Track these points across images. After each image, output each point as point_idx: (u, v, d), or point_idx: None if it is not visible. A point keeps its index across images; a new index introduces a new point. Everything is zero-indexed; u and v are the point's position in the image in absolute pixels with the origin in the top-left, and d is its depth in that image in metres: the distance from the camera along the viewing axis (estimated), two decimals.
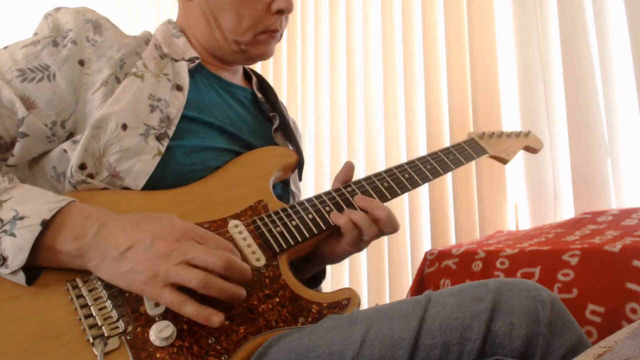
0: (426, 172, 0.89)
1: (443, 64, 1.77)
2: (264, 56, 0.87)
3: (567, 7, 1.42)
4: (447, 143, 1.75)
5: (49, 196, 0.61)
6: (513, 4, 1.58)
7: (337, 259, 0.82)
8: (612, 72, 1.35)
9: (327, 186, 2.17)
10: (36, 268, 0.60)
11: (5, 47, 0.73)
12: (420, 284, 1.17)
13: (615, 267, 0.87)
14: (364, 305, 1.90)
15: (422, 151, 1.84)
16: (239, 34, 0.83)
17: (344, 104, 2.17)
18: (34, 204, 0.59)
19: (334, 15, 2.27)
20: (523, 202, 1.53)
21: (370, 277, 1.98)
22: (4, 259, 0.57)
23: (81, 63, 0.73)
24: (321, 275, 0.92)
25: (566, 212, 1.43)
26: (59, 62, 0.71)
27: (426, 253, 1.20)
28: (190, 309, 0.56)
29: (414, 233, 1.82)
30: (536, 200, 1.48)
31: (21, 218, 0.57)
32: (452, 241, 1.68)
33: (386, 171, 0.86)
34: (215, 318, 0.57)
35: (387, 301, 1.91)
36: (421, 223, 1.81)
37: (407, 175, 0.86)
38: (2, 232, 0.57)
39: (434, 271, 1.15)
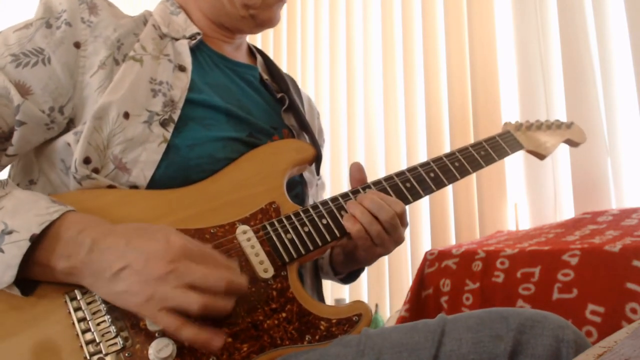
0: (454, 170, 0.83)
1: (443, 64, 1.77)
2: (272, 21, 0.84)
3: (567, 7, 1.43)
4: (447, 142, 1.75)
5: (41, 206, 0.58)
6: (513, 4, 1.58)
7: (359, 262, 0.77)
8: (612, 72, 1.35)
9: (326, 187, 2.17)
10: (33, 281, 0.58)
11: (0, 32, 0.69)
12: (420, 284, 1.17)
13: (615, 267, 0.86)
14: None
15: (422, 150, 1.84)
16: None
17: (344, 103, 2.17)
18: (24, 216, 0.56)
19: (334, 15, 2.27)
20: (523, 202, 1.53)
21: (370, 277, 1.98)
22: None
23: (77, 45, 0.69)
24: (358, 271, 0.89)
25: (566, 212, 1.44)
26: (53, 44, 0.67)
27: (426, 253, 1.20)
28: (189, 334, 0.53)
29: (414, 233, 1.82)
30: (536, 200, 1.48)
31: (10, 232, 0.55)
32: (452, 241, 1.68)
33: (410, 169, 0.80)
34: (216, 342, 0.54)
35: (387, 301, 1.91)
36: (421, 223, 1.81)
37: (432, 175, 0.80)
38: None
39: (434, 271, 1.15)
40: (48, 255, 0.56)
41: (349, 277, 0.89)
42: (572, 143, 1.07)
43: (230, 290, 0.56)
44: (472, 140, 1.65)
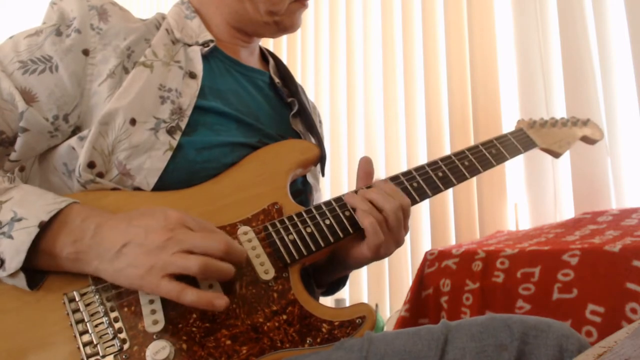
0: (463, 170, 0.80)
1: (443, 64, 1.77)
2: (294, 27, 0.85)
3: (567, 7, 1.43)
4: (447, 143, 1.75)
5: (49, 198, 0.60)
6: (513, 4, 1.58)
7: (352, 263, 0.75)
8: (612, 72, 1.35)
9: (325, 189, 2.17)
10: (39, 272, 0.59)
11: (11, 37, 0.70)
12: (420, 284, 1.17)
13: (615, 267, 0.86)
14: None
15: (422, 150, 1.84)
16: (274, 3, 0.80)
17: (344, 104, 2.17)
18: (33, 205, 0.58)
19: (334, 15, 2.27)
20: (523, 202, 1.53)
21: (370, 277, 1.98)
22: (2, 262, 0.56)
23: (85, 53, 0.68)
24: (340, 281, 0.87)
25: (566, 212, 1.43)
26: (61, 52, 0.67)
27: (426, 253, 1.20)
28: (191, 296, 0.54)
29: (414, 233, 1.82)
30: (536, 200, 1.48)
31: (19, 220, 0.56)
32: (452, 241, 1.68)
33: (417, 169, 0.78)
34: (219, 301, 0.55)
35: (387, 301, 1.91)
36: (421, 223, 1.81)
37: (440, 174, 0.78)
38: (1, 235, 0.56)
39: (434, 271, 1.15)
40: (54, 242, 0.57)
41: (329, 289, 0.88)
42: (588, 140, 1.04)
43: (229, 252, 0.57)
44: (472, 140, 1.65)
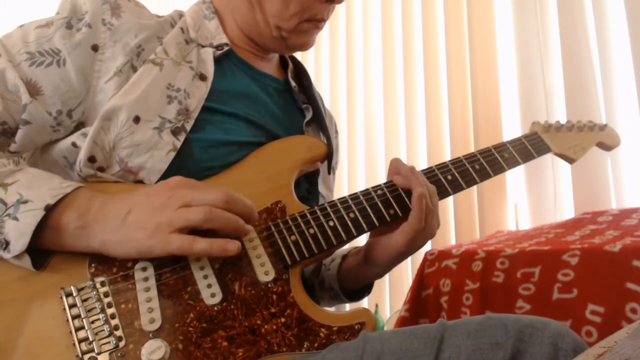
0: (473, 173, 0.78)
1: (443, 65, 1.77)
2: (304, 46, 0.81)
3: (567, 7, 1.42)
4: (447, 143, 1.75)
5: (55, 181, 0.60)
6: (513, 4, 1.58)
7: (382, 259, 0.72)
8: (612, 73, 1.35)
9: None
10: (44, 252, 0.59)
11: (21, 26, 0.69)
12: (420, 284, 1.17)
13: (615, 267, 0.86)
14: (364, 304, 1.89)
15: (422, 152, 1.84)
16: (283, 20, 0.76)
17: (344, 104, 2.17)
18: (39, 188, 0.58)
19: (334, 15, 2.26)
20: (523, 202, 1.53)
21: None
22: (7, 243, 0.56)
23: (94, 48, 0.67)
24: (365, 289, 0.84)
25: (566, 212, 1.43)
26: (70, 46, 0.66)
27: (426, 253, 1.20)
28: (202, 245, 0.56)
29: None
30: (536, 200, 1.48)
31: (25, 202, 0.57)
32: (452, 241, 1.68)
33: (426, 171, 0.76)
34: (231, 245, 0.57)
35: (387, 301, 1.91)
36: None
37: (449, 177, 0.76)
38: (6, 216, 0.56)
39: (434, 271, 1.15)
40: (60, 219, 0.58)
41: (355, 294, 0.85)
42: (605, 147, 1.00)
43: (230, 200, 0.59)
44: (472, 140, 1.65)
